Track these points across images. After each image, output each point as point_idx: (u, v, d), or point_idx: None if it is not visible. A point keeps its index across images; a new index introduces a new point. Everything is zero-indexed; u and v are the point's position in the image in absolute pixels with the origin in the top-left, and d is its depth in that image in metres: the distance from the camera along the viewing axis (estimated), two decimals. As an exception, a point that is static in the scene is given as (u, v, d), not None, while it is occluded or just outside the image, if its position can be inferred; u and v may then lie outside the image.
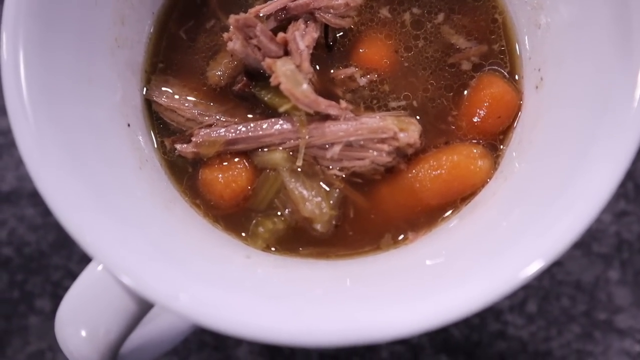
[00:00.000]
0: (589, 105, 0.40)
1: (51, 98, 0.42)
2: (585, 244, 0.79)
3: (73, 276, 0.84)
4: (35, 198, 0.86)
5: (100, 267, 0.43)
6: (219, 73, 0.55)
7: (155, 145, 0.53)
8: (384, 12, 0.56)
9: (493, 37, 0.55)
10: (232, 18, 0.48)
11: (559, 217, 0.35)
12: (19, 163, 0.87)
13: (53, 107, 0.42)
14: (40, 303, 0.83)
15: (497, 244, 0.39)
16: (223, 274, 0.40)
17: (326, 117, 0.51)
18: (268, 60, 0.49)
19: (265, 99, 0.51)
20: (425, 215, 0.51)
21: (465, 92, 0.53)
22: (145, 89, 0.55)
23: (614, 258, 0.79)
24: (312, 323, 0.34)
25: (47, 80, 0.42)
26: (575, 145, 0.39)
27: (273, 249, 0.50)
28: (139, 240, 0.38)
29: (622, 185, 0.80)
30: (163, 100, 0.54)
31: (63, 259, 0.84)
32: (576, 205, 0.35)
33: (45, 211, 0.86)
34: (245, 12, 0.54)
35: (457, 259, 0.42)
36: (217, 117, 0.54)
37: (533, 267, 0.34)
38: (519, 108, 0.52)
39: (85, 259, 0.85)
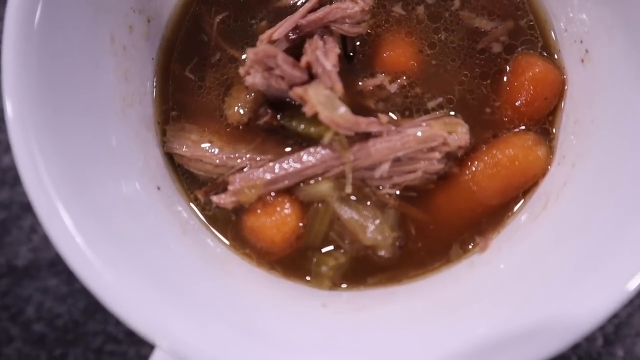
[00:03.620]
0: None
1: (75, 182, 0.37)
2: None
3: (114, 339, 0.80)
4: (55, 267, 0.82)
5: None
6: (237, 109, 0.51)
7: (191, 203, 0.49)
8: (397, 9, 0.52)
9: (519, 12, 0.51)
10: (251, 52, 0.44)
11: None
12: (30, 233, 0.82)
13: (80, 192, 0.37)
14: (87, 373, 0.79)
15: (591, 251, 0.36)
16: (316, 337, 0.37)
17: (367, 135, 0.47)
18: (297, 90, 0.45)
19: (299, 129, 0.48)
20: (489, 216, 0.48)
21: (505, 78, 0.50)
22: (163, 142, 0.51)
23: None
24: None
25: (67, 164, 0.37)
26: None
27: (343, 285, 0.47)
28: (217, 324, 0.35)
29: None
30: (185, 151, 0.50)
31: (100, 323, 0.80)
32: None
33: (68, 279, 0.81)
34: (252, 39, 0.51)
35: (546, 268, 0.39)
36: (248, 156, 0.50)
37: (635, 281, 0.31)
38: (563, 85, 0.49)
39: (122, 319, 0.81)
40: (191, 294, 0.37)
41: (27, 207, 0.83)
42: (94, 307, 0.80)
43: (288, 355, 0.34)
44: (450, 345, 0.34)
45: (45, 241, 0.82)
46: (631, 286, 0.31)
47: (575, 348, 0.74)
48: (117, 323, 0.81)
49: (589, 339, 0.75)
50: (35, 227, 0.83)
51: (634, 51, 0.40)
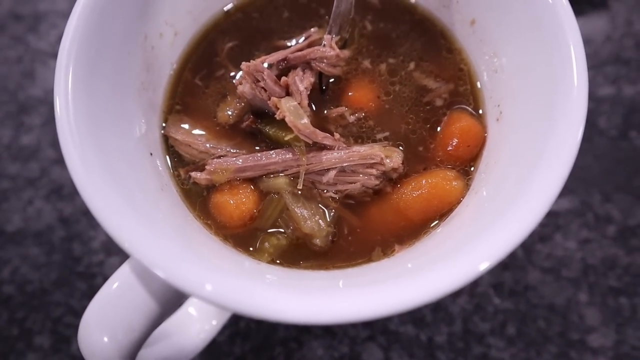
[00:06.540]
0: (538, 127, 0.50)
1: (94, 129, 0.49)
2: (555, 270, 0.87)
3: (74, 313, 0.86)
4: (40, 238, 0.90)
5: (126, 271, 0.48)
6: (228, 112, 0.64)
7: (172, 172, 0.61)
8: (366, 63, 0.67)
9: (460, 81, 0.65)
10: (244, 64, 0.58)
11: (508, 223, 0.43)
12: (27, 205, 0.92)
13: (95, 136, 0.49)
14: (39, 340, 0.84)
15: (461, 246, 0.46)
16: (239, 271, 0.46)
17: (322, 148, 0.59)
18: (274, 99, 0.58)
19: (270, 132, 0.60)
20: (410, 230, 0.59)
21: (439, 127, 0.63)
22: (163, 126, 0.63)
23: (582, 282, 0.86)
24: (319, 304, 0.40)
25: (90, 115, 0.49)
26: (528, 159, 0.48)
27: (278, 261, 0.56)
28: (169, 244, 0.44)
29: (583, 215, 0.90)
30: (180, 136, 0.62)
31: (65, 296, 0.87)
32: (520, 213, 0.44)
33: (49, 250, 0.89)
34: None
35: (430, 259, 0.49)
36: (227, 149, 0.62)
37: (483, 265, 0.42)
38: (484, 139, 0.61)
39: (87, 296, 0.88)
40: (157, 223, 0.47)
41: (31, 183, 0.94)
42: (65, 280, 0.87)
43: (219, 275, 0.42)
44: (356, 303, 0.43)
45: (38, 214, 0.92)
46: (481, 267, 0.41)
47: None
48: (81, 297, 0.88)
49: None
50: (33, 200, 0.93)
51: (529, 111, 0.53)
